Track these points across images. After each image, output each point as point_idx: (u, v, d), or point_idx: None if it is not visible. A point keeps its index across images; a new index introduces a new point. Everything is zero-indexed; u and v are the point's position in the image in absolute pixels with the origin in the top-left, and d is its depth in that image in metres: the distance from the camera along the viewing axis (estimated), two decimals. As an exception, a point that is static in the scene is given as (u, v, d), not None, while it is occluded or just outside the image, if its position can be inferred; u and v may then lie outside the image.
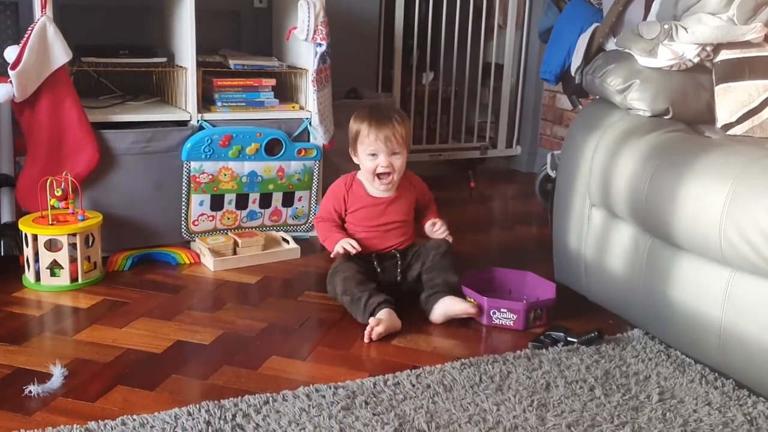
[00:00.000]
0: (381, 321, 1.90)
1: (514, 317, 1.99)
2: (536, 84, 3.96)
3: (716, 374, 1.75)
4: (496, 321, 2.01)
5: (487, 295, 2.04)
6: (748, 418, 1.58)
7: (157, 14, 2.74)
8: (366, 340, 1.89)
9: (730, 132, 1.98)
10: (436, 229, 2.16)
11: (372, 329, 1.89)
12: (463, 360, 1.78)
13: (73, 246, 2.17)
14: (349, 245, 2.07)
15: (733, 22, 1.97)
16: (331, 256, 2.13)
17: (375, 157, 2.07)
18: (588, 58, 2.40)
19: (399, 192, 2.15)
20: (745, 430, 1.54)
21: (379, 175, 2.08)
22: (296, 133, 2.60)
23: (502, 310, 2.00)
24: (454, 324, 2.01)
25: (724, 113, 1.99)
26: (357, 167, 2.16)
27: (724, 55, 2.01)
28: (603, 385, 1.69)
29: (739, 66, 1.99)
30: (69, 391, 1.60)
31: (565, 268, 2.20)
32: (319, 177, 2.66)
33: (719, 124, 2.00)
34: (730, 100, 1.98)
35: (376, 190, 2.13)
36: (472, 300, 2.03)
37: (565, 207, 2.18)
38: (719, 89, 2.01)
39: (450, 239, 2.15)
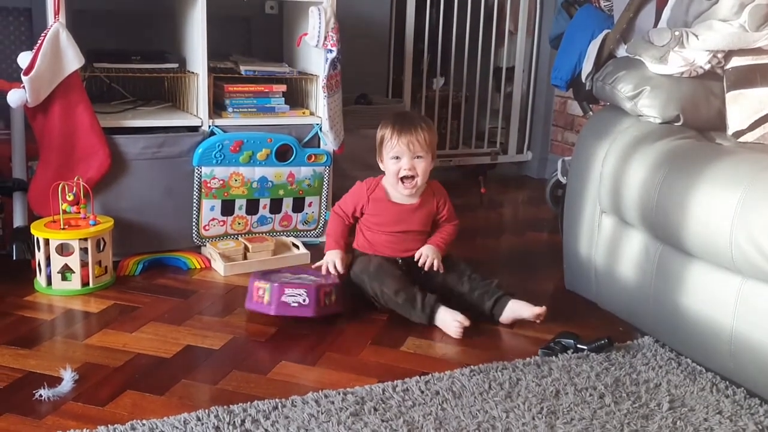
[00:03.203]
0: (460, 317, 1.96)
1: (305, 293, 1.95)
2: (547, 90, 3.95)
3: (727, 382, 1.74)
4: (286, 299, 1.96)
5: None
6: (760, 427, 1.56)
7: (169, 20, 2.76)
8: (458, 336, 1.94)
9: (742, 139, 1.97)
10: (420, 263, 2.12)
11: (461, 325, 1.94)
12: (472, 367, 1.78)
13: (84, 250, 2.18)
14: (333, 266, 2.14)
15: (745, 28, 1.97)
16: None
17: (398, 160, 2.10)
18: (599, 64, 2.40)
19: (421, 201, 2.16)
20: (757, 439, 1.53)
21: (402, 179, 2.11)
22: (306, 139, 2.61)
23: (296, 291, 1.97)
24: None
25: (735, 120, 1.99)
26: (367, 174, 2.17)
27: (736, 62, 2.00)
28: (613, 392, 1.69)
29: (750, 73, 1.98)
30: (79, 395, 1.60)
31: (576, 275, 2.20)
32: (329, 183, 2.66)
33: (730, 131, 2.00)
34: (742, 107, 1.98)
35: (400, 195, 2.15)
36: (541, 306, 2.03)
37: (575, 214, 2.17)
38: (730, 96, 2.00)
39: (438, 269, 2.12)
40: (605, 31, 2.45)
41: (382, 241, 2.16)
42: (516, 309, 2.04)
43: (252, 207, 2.57)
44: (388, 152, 2.11)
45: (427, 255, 2.11)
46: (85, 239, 2.17)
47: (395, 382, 1.69)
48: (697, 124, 2.00)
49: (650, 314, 1.88)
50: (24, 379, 1.67)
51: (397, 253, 2.16)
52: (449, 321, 1.95)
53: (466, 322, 1.94)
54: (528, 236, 3.02)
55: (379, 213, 2.16)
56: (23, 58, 2.19)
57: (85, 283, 2.19)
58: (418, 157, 2.09)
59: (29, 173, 2.41)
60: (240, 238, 2.54)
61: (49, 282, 2.18)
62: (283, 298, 1.96)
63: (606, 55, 2.40)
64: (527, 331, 2.04)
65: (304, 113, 2.65)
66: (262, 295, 1.98)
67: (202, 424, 1.48)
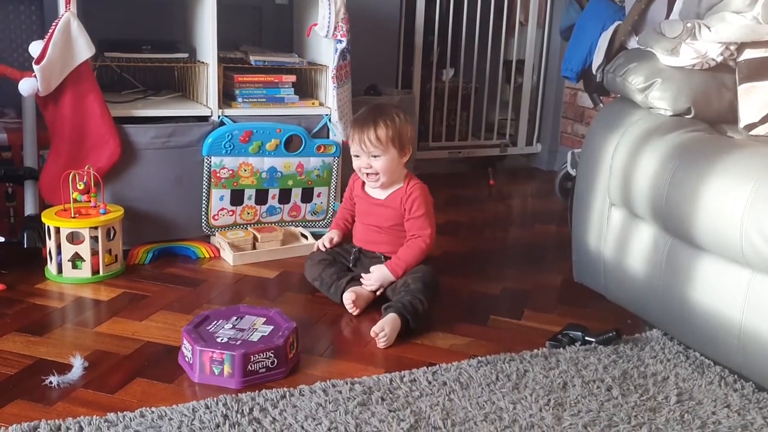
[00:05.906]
0: (356, 295, 2.04)
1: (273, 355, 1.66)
2: (557, 81, 3.94)
3: (736, 376, 1.73)
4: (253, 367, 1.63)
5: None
6: (768, 421, 1.56)
7: (180, 10, 2.76)
8: (354, 312, 2.03)
9: (753, 132, 1.96)
10: (364, 284, 2.09)
11: (353, 302, 2.02)
12: (479, 358, 1.78)
13: (94, 239, 2.20)
14: (322, 243, 2.26)
15: (758, 21, 1.95)
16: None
17: (358, 158, 2.13)
18: (609, 56, 2.38)
19: (388, 199, 2.15)
20: (764, 433, 1.53)
21: (367, 175, 2.14)
22: (316, 130, 2.61)
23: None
24: (471, 322, 2.01)
25: (747, 113, 1.97)
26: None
27: (748, 54, 1.98)
28: (620, 385, 1.69)
29: (763, 65, 1.96)
30: (89, 382, 1.62)
31: (585, 268, 2.19)
32: (338, 173, 2.67)
33: (742, 124, 1.98)
34: (754, 99, 1.96)
35: (371, 188, 2.19)
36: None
37: (584, 206, 2.16)
38: (742, 89, 1.98)
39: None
40: (616, 23, 2.44)
41: (359, 228, 2.25)
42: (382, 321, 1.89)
43: (261, 197, 2.57)
44: (352, 149, 2.14)
45: (370, 281, 2.08)
46: (96, 228, 2.19)
47: (403, 372, 1.69)
48: (709, 117, 1.99)
49: (659, 307, 1.88)
50: (34, 365, 1.68)
51: (361, 243, 2.22)
52: (346, 300, 2.04)
53: (353, 297, 2.02)
54: (537, 228, 3.02)
55: (358, 202, 2.23)
56: (34, 47, 2.20)
57: (95, 272, 2.20)
58: (373, 155, 2.09)
59: (40, 162, 2.42)
60: (249, 228, 2.55)
61: (59, 270, 2.19)
62: (250, 367, 1.62)
63: (617, 47, 2.39)
64: (535, 323, 2.04)
65: (313, 104, 2.65)
66: (221, 367, 1.61)
67: (211, 412, 1.49)
